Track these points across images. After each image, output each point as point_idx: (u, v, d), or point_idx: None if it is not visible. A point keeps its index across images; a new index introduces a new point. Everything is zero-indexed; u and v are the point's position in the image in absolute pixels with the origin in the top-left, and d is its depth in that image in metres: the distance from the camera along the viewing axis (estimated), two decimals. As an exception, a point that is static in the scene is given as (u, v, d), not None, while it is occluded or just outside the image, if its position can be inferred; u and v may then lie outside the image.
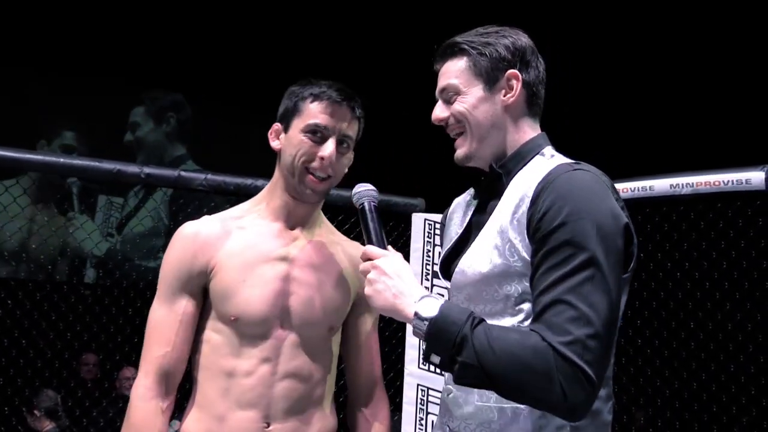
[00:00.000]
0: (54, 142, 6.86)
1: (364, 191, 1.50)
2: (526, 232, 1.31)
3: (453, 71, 1.46)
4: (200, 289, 1.62)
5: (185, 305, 1.61)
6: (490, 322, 1.29)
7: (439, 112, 1.49)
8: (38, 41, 6.32)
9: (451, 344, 1.23)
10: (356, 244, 1.76)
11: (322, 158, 1.59)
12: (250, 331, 1.58)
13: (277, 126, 1.68)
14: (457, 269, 1.43)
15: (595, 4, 5.87)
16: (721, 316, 3.17)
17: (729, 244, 2.94)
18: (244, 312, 1.58)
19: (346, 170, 1.69)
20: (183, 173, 2.87)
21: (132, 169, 2.84)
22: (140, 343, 1.63)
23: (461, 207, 1.60)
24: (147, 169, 2.83)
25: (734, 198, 2.66)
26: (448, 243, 1.57)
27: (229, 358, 1.58)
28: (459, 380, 1.25)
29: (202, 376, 1.61)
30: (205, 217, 1.69)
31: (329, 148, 1.59)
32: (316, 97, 1.62)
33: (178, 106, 7.23)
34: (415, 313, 1.28)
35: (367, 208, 1.48)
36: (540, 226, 1.27)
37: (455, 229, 1.56)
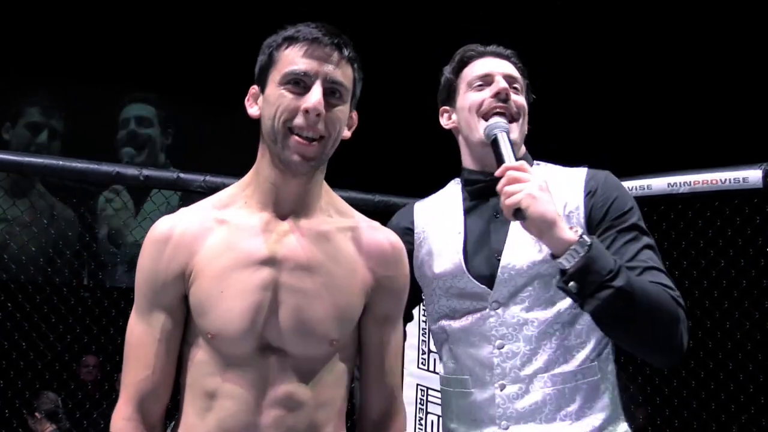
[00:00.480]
0: (19, 123, 6.39)
1: (494, 123, 1.51)
2: (584, 219, 1.49)
3: (519, 74, 1.62)
4: (180, 300, 1.37)
5: (163, 322, 1.36)
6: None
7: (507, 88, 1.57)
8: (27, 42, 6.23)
9: (608, 270, 1.31)
10: (375, 224, 1.47)
11: (306, 111, 1.27)
12: (230, 351, 1.32)
13: (253, 89, 1.39)
14: (502, 265, 1.49)
15: (593, 4, 5.88)
16: (719, 315, 3.18)
17: (727, 243, 2.95)
18: (221, 330, 1.32)
19: (346, 132, 1.38)
20: (182, 174, 2.87)
21: (131, 171, 2.86)
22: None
23: (436, 211, 1.63)
24: (146, 171, 2.84)
25: (732, 196, 2.68)
26: (443, 244, 1.57)
27: (212, 379, 1.33)
28: (601, 307, 1.32)
29: (184, 396, 1.38)
30: (182, 210, 1.41)
31: (314, 96, 1.28)
32: (291, 41, 1.33)
33: (177, 120, 7.15)
34: (581, 235, 1.33)
35: (502, 137, 1.48)
36: (609, 209, 1.48)
37: (455, 229, 1.58)
